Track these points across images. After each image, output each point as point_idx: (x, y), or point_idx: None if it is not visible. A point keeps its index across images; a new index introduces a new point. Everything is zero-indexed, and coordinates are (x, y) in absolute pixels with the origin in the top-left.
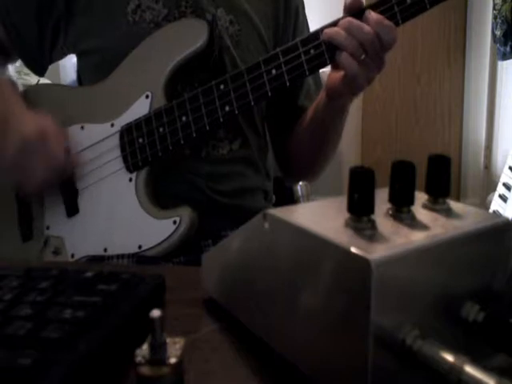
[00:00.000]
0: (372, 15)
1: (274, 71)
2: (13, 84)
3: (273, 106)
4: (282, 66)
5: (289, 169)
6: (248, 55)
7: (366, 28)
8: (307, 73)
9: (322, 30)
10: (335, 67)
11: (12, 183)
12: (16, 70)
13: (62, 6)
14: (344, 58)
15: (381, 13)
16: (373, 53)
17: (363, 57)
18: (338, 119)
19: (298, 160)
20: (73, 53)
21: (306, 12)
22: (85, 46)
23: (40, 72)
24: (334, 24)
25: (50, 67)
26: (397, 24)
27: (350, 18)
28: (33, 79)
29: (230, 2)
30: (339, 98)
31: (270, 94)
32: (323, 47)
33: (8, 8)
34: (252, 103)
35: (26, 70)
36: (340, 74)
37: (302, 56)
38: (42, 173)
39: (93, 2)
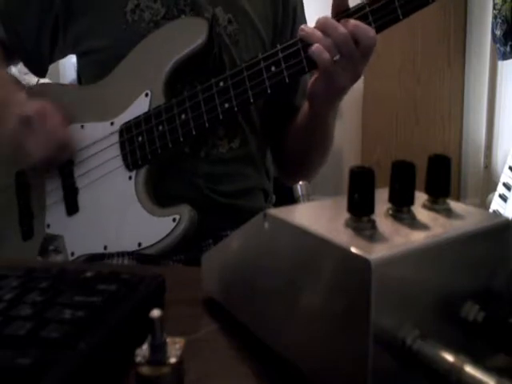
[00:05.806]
0: (351, 20)
1: (273, 68)
2: (17, 81)
3: (268, 104)
4: (282, 62)
5: (284, 168)
6: (246, 54)
7: (341, 28)
8: (306, 69)
9: None
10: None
11: (13, 159)
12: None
13: (61, 6)
14: (315, 48)
15: (382, 7)
16: (347, 54)
17: (338, 57)
18: (325, 126)
19: (293, 159)
20: (72, 53)
21: (305, 13)
22: (84, 46)
23: (40, 73)
24: None
25: (50, 67)
26: (398, 19)
27: (326, 17)
28: (32, 79)
29: (228, 0)
30: (319, 104)
31: (269, 90)
32: None
33: (8, 8)
34: (251, 100)
35: (26, 70)
36: (317, 75)
37: (302, 53)
38: (42, 147)
39: (91, 2)
